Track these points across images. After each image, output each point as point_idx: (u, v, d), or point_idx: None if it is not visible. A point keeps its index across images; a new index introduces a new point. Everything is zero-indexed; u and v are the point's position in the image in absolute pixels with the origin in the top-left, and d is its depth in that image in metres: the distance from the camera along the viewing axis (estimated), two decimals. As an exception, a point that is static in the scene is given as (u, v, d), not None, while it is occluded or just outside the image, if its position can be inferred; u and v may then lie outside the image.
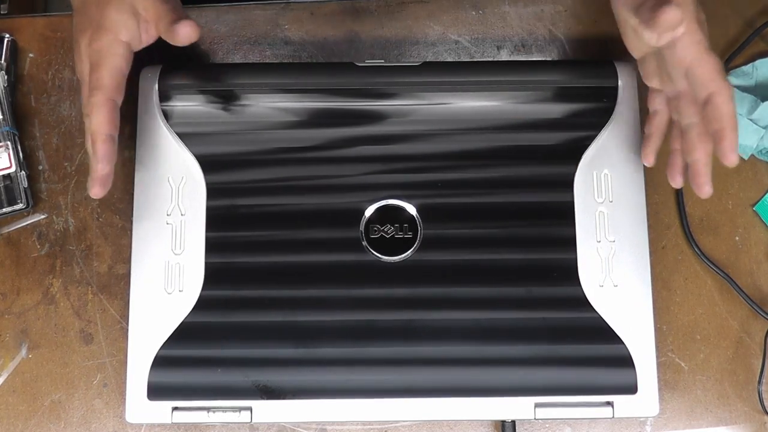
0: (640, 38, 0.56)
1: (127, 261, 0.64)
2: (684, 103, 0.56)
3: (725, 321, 0.64)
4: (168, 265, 0.59)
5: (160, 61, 0.64)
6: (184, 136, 0.61)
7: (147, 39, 0.59)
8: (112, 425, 0.63)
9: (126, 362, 0.59)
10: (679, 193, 0.66)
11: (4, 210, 0.64)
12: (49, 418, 0.63)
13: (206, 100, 0.61)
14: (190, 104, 0.61)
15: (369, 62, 0.63)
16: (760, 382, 0.63)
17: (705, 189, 0.55)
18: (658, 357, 0.59)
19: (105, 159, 0.56)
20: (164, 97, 0.61)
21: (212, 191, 0.60)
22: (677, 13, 0.51)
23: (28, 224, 0.66)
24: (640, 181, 0.61)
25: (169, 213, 0.60)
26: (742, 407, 0.63)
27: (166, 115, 0.61)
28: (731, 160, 0.53)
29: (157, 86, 0.61)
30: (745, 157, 0.67)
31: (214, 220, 0.60)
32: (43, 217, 0.66)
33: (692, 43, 0.54)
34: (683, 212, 0.65)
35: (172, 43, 0.57)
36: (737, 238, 0.66)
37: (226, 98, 0.61)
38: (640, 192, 0.61)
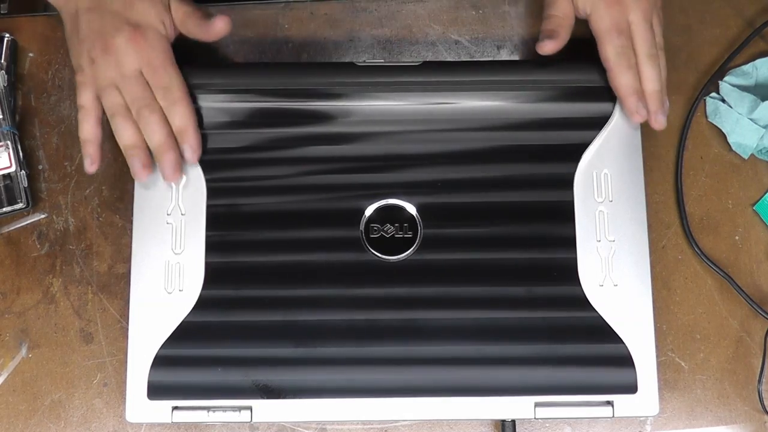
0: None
1: (127, 260, 0.64)
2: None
3: (725, 320, 0.64)
4: (168, 265, 0.59)
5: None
6: None
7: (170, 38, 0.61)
8: (112, 425, 0.63)
9: (126, 361, 0.58)
10: (679, 193, 0.66)
11: (4, 209, 0.64)
12: (49, 418, 0.63)
13: (206, 100, 0.61)
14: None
15: (369, 62, 0.63)
16: (760, 381, 0.63)
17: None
18: (658, 356, 0.59)
19: (198, 150, 0.59)
20: None
21: (212, 191, 0.60)
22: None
23: (28, 224, 0.66)
24: (639, 181, 0.61)
25: (169, 212, 0.60)
26: (742, 407, 0.63)
27: None
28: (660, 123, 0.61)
29: None
30: (745, 157, 0.67)
31: (215, 219, 0.60)
32: (43, 216, 0.66)
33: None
34: (683, 212, 0.65)
35: (199, 38, 0.60)
36: (737, 237, 0.66)
37: (227, 98, 0.61)
38: (640, 191, 0.61)
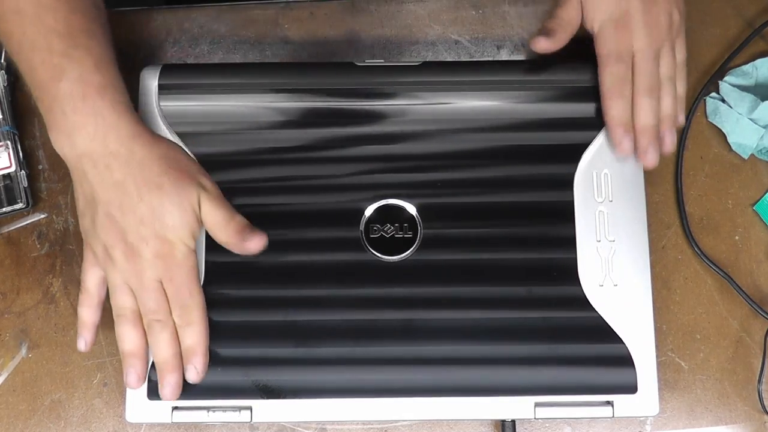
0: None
1: (127, 260, 0.64)
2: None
3: (725, 320, 0.64)
4: None
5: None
6: (183, 136, 0.61)
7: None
8: (112, 424, 0.63)
9: (126, 362, 0.58)
10: (679, 193, 0.66)
11: (4, 209, 0.64)
12: (49, 418, 0.63)
13: (206, 100, 0.61)
14: (189, 104, 0.61)
15: (368, 62, 0.63)
16: (760, 381, 0.63)
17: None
18: (658, 356, 0.59)
19: (204, 372, 0.56)
20: (164, 96, 0.61)
21: None
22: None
23: (28, 224, 0.66)
24: (640, 181, 0.61)
25: None
26: (742, 407, 0.63)
27: (166, 115, 0.61)
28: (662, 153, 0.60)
29: (156, 86, 0.61)
30: (745, 157, 0.67)
31: None
32: (43, 216, 0.66)
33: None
34: (683, 212, 0.65)
35: (234, 251, 0.56)
36: (737, 237, 0.66)
37: (226, 98, 0.61)
38: (640, 191, 0.61)
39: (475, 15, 0.70)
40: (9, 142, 0.65)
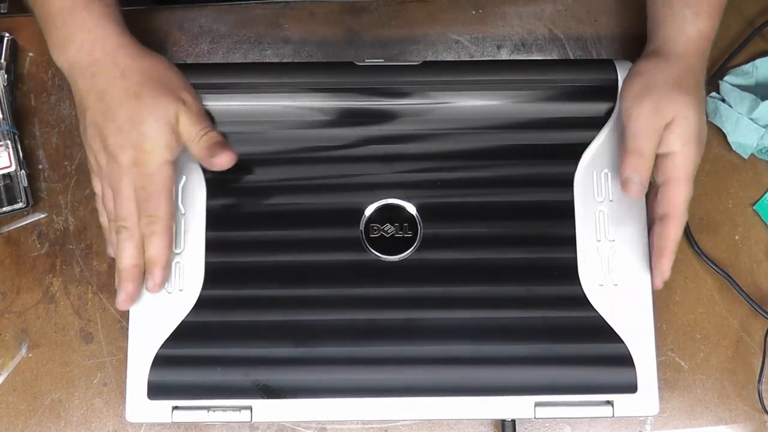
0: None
1: (127, 260, 0.64)
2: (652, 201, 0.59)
3: (725, 320, 0.64)
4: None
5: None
6: None
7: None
8: (112, 424, 0.63)
9: (126, 361, 0.58)
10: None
11: (4, 209, 0.64)
12: (49, 417, 0.63)
13: (206, 100, 0.61)
14: None
15: (369, 62, 0.63)
16: (759, 381, 0.63)
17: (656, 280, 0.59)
18: (658, 356, 0.59)
19: (162, 284, 0.57)
20: None
21: (212, 190, 0.60)
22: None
23: (28, 223, 0.66)
24: None
25: None
26: (742, 406, 0.63)
27: None
28: (656, 285, 0.58)
29: None
30: (745, 156, 0.67)
31: (215, 219, 0.60)
32: (43, 216, 0.66)
33: (684, 165, 0.57)
34: (683, 211, 0.65)
35: (205, 166, 0.58)
36: (737, 237, 0.66)
37: (225, 97, 0.61)
38: None
39: (474, 15, 0.70)
40: (9, 142, 0.65)
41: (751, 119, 0.65)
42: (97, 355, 0.64)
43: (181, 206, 0.60)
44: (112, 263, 0.65)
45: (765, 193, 0.66)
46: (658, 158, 0.57)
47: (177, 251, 0.59)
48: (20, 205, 0.64)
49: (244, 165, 0.60)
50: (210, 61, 0.69)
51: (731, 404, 0.63)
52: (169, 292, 0.59)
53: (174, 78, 0.58)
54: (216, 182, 0.60)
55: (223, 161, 0.56)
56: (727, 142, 0.67)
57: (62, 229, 0.65)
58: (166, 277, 0.57)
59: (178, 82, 0.58)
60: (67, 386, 0.63)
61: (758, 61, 0.67)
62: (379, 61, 0.63)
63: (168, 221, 0.56)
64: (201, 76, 0.62)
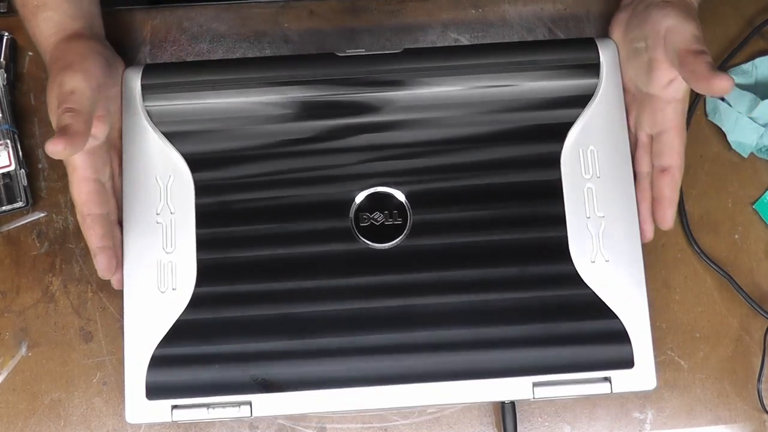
0: (648, 74, 0.59)
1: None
2: (641, 150, 0.61)
3: (725, 319, 0.64)
4: (160, 264, 0.59)
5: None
6: (169, 135, 0.61)
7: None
8: (111, 423, 0.63)
9: (123, 362, 0.58)
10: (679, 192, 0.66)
11: (4, 208, 0.64)
12: (48, 417, 0.63)
13: (190, 98, 0.61)
14: (173, 102, 0.61)
15: (350, 52, 0.63)
16: (759, 380, 0.63)
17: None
18: (656, 352, 0.58)
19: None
20: (148, 96, 0.61)
21: (200, 188, 0.60)
22: (730, 83, 0.52)
23: (27, 222, 0.66)
24: (626, 156, 0.61)
25: (158, 212, 0.60)
26: (742, 406, 0.63)
27: (151, 115, 0.61)
28: (667, 226, 0.60)
29: (140, 86, 0.61)
30: (745, 155, 0.67)
31: (204, 216, 0.60)
32: (42, 215, 0.66)
33: (681, 112, 0.59)
34: (683, 210, 0.65)
35: None
36: (737, 236, 0.66)
37: (209, 94, 0.61)
38: (627, 166, 0.60)
39: (474, 14, 0.70)
40: (9, 141, 0.65)
41: (750, 118, 0.65)
42: (96, 354, 0.64)
43: (169, 205, 0.60)
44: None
45: (765, 192, 0.66)
46: (652, 110, 0.59)
47: (168, 251, 0.59)
48: (20, 204, 0.64)
49: (230, 161, 0.60)
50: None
51: (731, 404, 0.63)
52: (162, 292, 0.59)
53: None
54: (204, 180, 0.60)
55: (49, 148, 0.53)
56: (727, 141, 0.67)
57: (62, 229, 0.65)
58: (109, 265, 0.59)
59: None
60: (66, 385, 0.63)
61: (758, 60, 0.67)
62: (360, 51, 0.63)
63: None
64: (183, 74, 0.62)
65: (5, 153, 0.65)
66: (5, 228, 0.65)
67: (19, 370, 0.63)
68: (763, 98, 0.65)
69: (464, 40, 0.69)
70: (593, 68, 0.62)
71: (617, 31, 0.63)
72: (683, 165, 0.59)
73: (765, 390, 0.63)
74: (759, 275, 0.65)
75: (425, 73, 0.61)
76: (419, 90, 0.61)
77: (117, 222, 0.60)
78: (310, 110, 0.61)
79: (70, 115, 0.54)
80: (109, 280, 0.61)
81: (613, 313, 0.58)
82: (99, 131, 0.58)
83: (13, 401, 0.63)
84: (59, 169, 0.66)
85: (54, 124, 0.56)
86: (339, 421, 0.63)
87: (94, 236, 0.58)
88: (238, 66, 0.63)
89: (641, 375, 0.58)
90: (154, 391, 0.57)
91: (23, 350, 0.64)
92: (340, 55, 0.62)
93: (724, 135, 0.67)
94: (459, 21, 0.69)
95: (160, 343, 0.58)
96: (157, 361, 0.58)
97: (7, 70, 0.66)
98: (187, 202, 0.60)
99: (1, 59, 0.66)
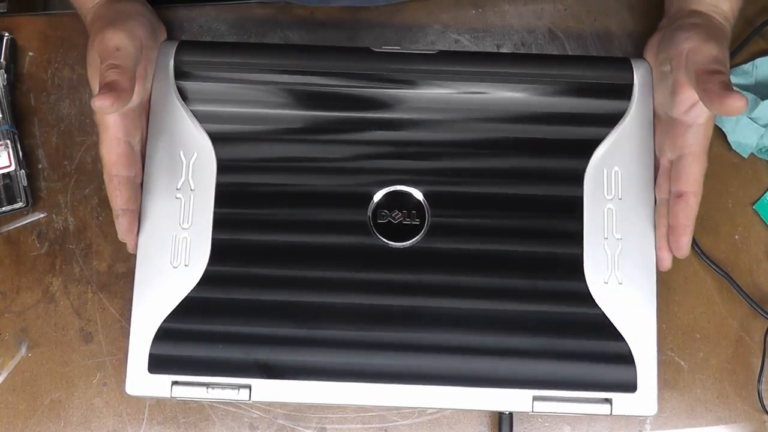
0: (672, 97, 0.58)
1: (127, 260, 0.64)
2: (662, 176, 0.60)
3: (725, 320, 0.64)
4: (175, 239, 0.59)
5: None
6: (197, 113, 0.60)
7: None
8: (111, 424, 0.63)
9: (126, 358, 0.58)
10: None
11: (4, 209, 0.64)
12: (48, 417, 0.63)
13: (221, 78, 0.61)
14: (205, 81, 0.61)
15: (385, 48, 0.63)
16: (759, 381, 0.63)
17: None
18: (659, 357, 0.58)
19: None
20: (179, 72, 0.61)
21: (222, 168, 0.60)
22: (743, 102, 0.51)
23: (27, 223, 0.66)
24: (649, 180, 0.60)
25: (178, 187, 0.60)
26: (742, 406, 0.63)
27: (181, 91, 0.61)
28: (682, 254, 0.58)
29: (172, 62, 0.61)
30: (745, 156, 0.67)
31: (223, 196, 0.60)
32: (42, 215, 0.66)
33: (702, 138, 0.58)
34: (683, 211, 0.65)
35: None
36: (737, 237, 0.66)
37: (241, 77, 0.61)
38: (649, 190, 0.60)
39: (474, 14, 0.70)
40: (9, 142, 0.65)
41: (750, 119, 0.65)
42: (96, 354, 0.64)
43: (190, 182, 0.60)
44: (111, 262, 0.65)
45: (765, 192, 0.66)
46: (674, 134, 0.58)
47: (185, 226, 0.59)
48: (20, 204, 0.64)
49: (255, 144, 0.60)
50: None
51: (731, 404, 0.63)
52: (174, 267, 0.59)
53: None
54: (227, 160, 0.60)
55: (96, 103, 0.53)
56: (727, 142, 0.67)
57: (62, 229, 0.65)
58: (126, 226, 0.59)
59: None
60: (66, 386, 0.63)
61: (758, 61, 0.67)
62: (396, 48, 0.63)
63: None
64: (217, 55, 0.62)
65: (5, 153, 0.65)
66: (5, 228, 0.65)
67: (19, 371, 0.63)
68: (763, 98, 0.65)
69: (464, 40, 0.69)
70: (626, 89, 0.61)
71: (650, 53, 0.62)
72: (701, 192, 0.58)
73: (765, 390, 0.63)
74: (759, 276, 0.65)
75: (457, 77, 0.61)
76: (449, 92, 0.61)
77: (140, 186, 0.60)
78: (338, 102, 0.61)
79: (116, 72, 0.54)
80: (108, 281, 0.61)
81: (621, 335, 0.58)
82: (136, 93, 0.58)
83: (13, 402, 0.63)
84: (59, 169, 0.66)
85: (96, 81, 0.56)
86: (339, 422, 0.63)
87: (120, 197, 0.58)
88: (272, 51, 0.63)
89: (643, 400, 0.57)
90: (156, 364, 0.57)
91: (23, 351, 0.64)
92: (375, 50, 0.62)
93: (724, 135, 0.67)
94: (459, 21, 0.69)
95: (167, 317, 0.58)
96: (162, 335, 0.58)
97: (7, 70, 0.66)
98: (208, 180, 0.60)
99: (1, 59, 0.66)
